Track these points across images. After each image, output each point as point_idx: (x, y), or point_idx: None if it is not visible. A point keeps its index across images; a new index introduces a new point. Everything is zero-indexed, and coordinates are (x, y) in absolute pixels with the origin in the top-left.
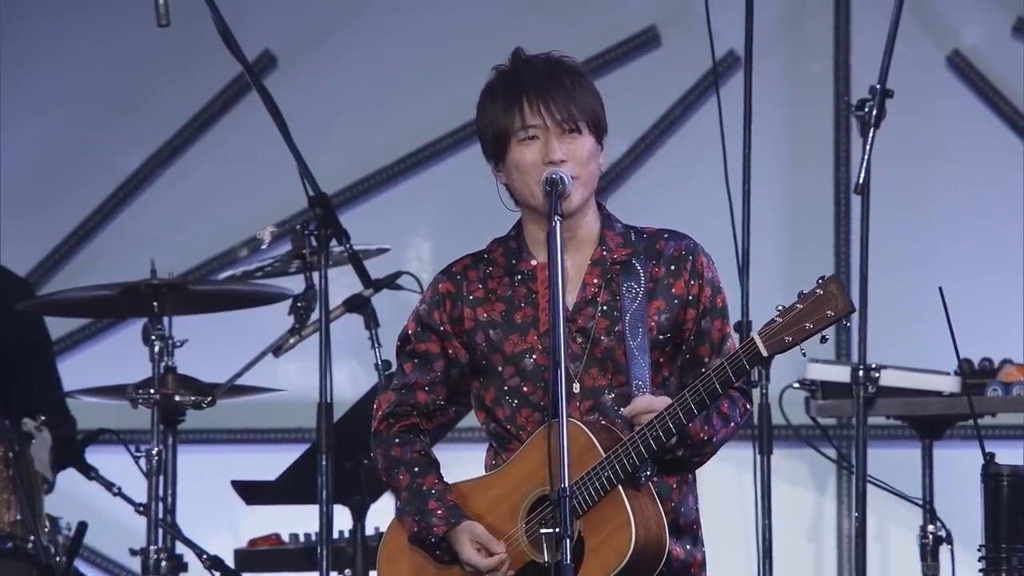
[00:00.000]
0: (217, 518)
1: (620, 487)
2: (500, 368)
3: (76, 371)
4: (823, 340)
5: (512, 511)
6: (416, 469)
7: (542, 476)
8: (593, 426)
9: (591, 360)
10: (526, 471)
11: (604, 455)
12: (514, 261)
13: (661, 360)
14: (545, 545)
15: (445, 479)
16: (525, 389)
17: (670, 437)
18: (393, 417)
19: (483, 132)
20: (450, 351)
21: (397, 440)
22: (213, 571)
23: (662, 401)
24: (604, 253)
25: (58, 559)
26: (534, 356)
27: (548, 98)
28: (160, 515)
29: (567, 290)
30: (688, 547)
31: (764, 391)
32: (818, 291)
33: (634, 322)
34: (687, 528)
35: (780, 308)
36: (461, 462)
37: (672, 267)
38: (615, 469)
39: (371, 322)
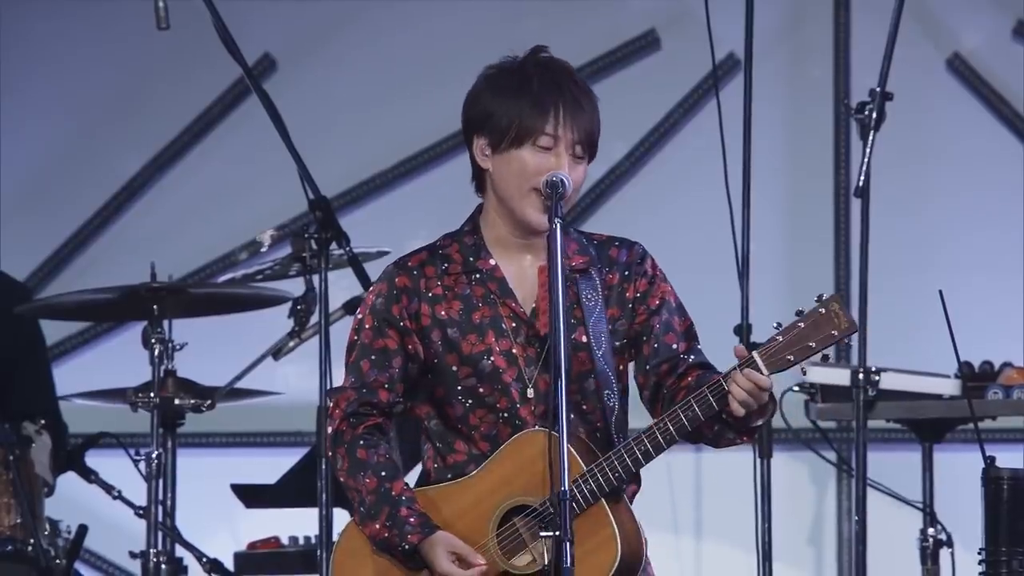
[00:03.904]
0: (217, 521)
1: (603, 499)
2: (455, 368)
3: (76, 375)
4: (824, 359)
5: (482, 520)
6: (383, 473)
7: (516, 485)
8: (571, 437)
9: (545, 366)
10: (498, 480)
11: (585, 467)
12: (472, 259)
13: (621, 368)
14: (545, 548)
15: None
16: (481, 390)
17: (660, 452)
18: (355, 417)
19: (498, 116)
20: (409, 347)
21: (362, 442)
22: (213, 574)
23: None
24: (563, 260)
25: (58, 562)
26: (492, 358)
27: (579, 119)
28: (160, 518)
29: (526, 296)
30: None
31: None
32: (820, 310)
33: (597, 331)
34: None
35: (778, 326)
36: None
37: (625, 273)
38: (599, 481)
39: None
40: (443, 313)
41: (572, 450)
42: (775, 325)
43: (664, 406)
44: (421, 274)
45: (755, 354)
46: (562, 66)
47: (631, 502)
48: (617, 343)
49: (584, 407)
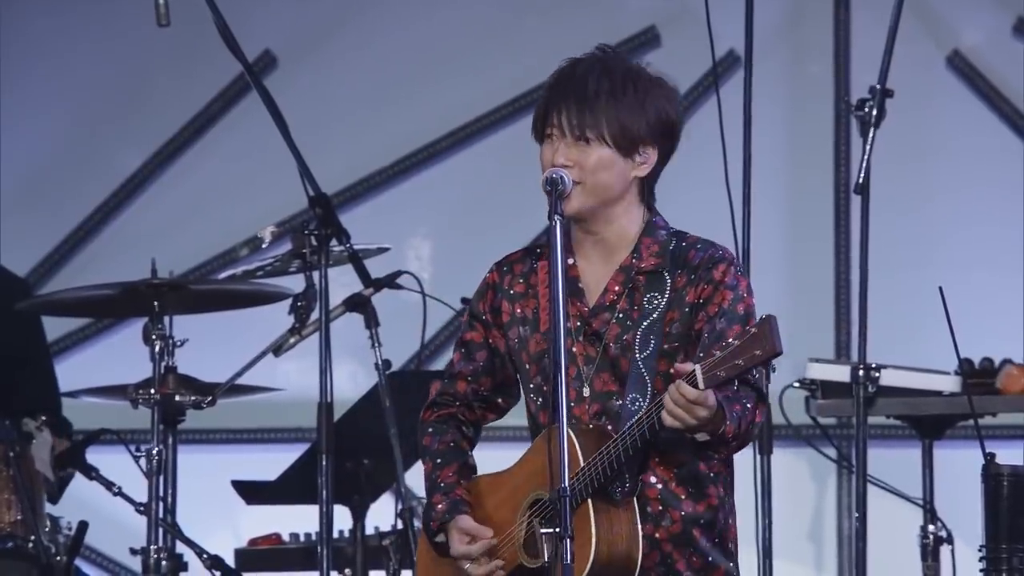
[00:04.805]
0: (217, 518)
1: (590, 501)
2: (527, 366)
3: (77, 371)
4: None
5: (514, 510)
6: (438, 460)
7: (541, 479)
8: (584, 434)
9: (603, 364)
10: (527, 472)
11: (582, 466)
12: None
13: (672, 371)
14: (545, 544)
15: (473, 469)
16: (545, 388)
17: (629, 456)
18: (435, 406)
19: None
20: (491, 340)
21: (430, 429)
22: (213, 571)
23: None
24: (633, 261)
25: (59, 558)
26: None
27: (564, 105)
28: (160, 515)
29: (590, 293)
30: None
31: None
32: (753, 329)
33: (647, 334)
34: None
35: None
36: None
37: (692, 276)
38: (584, 483)
39: (371, 321)
40: (519, 311)
41: (577, 449)
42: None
43: None
44: (509, 271)
45: (697, 368)
46: (583, 60)
47: (718, 506)
48: (666, 346)
49: (620, 408)
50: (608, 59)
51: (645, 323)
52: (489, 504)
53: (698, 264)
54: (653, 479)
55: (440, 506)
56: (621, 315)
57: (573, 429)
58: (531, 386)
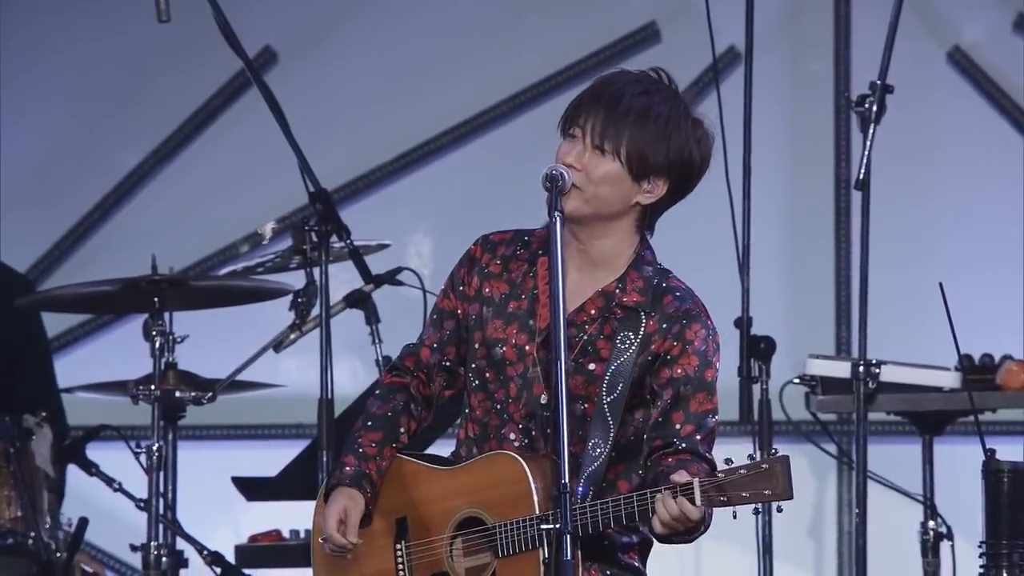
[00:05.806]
0: (218, 514)
1: (541, 550)
2: (476, 345)
3: (77, 367)
4: (756, 512)
5: (444, 517)
6: (369, 423)
7: (477, 499)
8: (536, 473)
9: (549, 375)
10: (468, 485)
11: (538, 512)
12: (540, 252)
13: (637, 415)
14: (545, 542)
15: (403, 445)
16: (487, 375)
17: (596, 529)
18: (394, 371)
19: None
20: (459, 311)
21: (378, 392)
22: (214, 567)
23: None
24: (617, 291)
25: (59, 555)
26: (504, 348)
27: (593, 111)
28: (161, 511)
29: (568, 305)
30: None
31: (764, 387)
32: (764, 465)
33: (615, 377)
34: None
35: (728, 463)
36: None
37: (664, 325)
38: (542, 537)
39: (371, 318)
40: (487, 291)
41: (532, 488)
42: (725, 460)
43: (644, 473)
44: (491, 249)
45: (696, 481)
46: (637, 76)
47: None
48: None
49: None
50: (653, 83)
51: (615, 364)
52: (417, 495)
53: (671, 314)
54: None
55: (348, 468)
56: (586, 337)
57: (522, 455)
58: (473, 366)
